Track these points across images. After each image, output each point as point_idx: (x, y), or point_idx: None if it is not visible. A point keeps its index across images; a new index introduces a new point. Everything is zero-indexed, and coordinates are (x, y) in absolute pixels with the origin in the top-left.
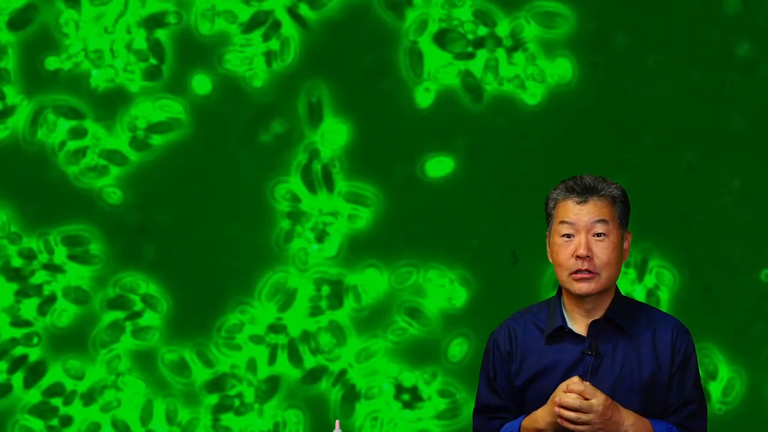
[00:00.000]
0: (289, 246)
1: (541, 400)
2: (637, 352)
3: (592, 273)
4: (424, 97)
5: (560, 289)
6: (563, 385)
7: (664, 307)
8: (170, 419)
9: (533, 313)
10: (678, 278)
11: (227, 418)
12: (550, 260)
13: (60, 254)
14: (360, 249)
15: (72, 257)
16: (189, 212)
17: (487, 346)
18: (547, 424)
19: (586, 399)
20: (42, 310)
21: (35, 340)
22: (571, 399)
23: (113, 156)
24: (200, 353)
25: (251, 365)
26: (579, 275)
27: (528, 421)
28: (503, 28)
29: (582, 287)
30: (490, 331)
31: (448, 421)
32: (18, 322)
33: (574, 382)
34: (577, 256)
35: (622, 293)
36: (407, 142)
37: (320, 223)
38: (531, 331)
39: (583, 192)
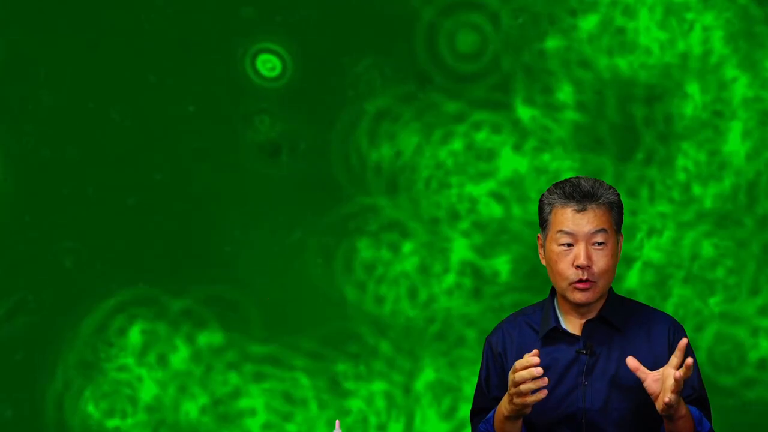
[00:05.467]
0: None
1: (537, 402)
2: (633, 349)
3: (590, 282)
4: None
5: (553, 290)
6: None
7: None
8: None
9: (527, 315)
10: None
11: None
12: (543, 263)
13: None
14: None
15: None
16: None
17: (483, 348)
18: (509, 411)
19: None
20: None
21: None
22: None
23: None
24: None
25: None
26: (579, 285)
27: (497, 413)
28: None
29: (581, 297)
30: None
31: None
32: None
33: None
34: (578, 266)
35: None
36: None
37: None
38: (526, 333)
39: (582, 199)
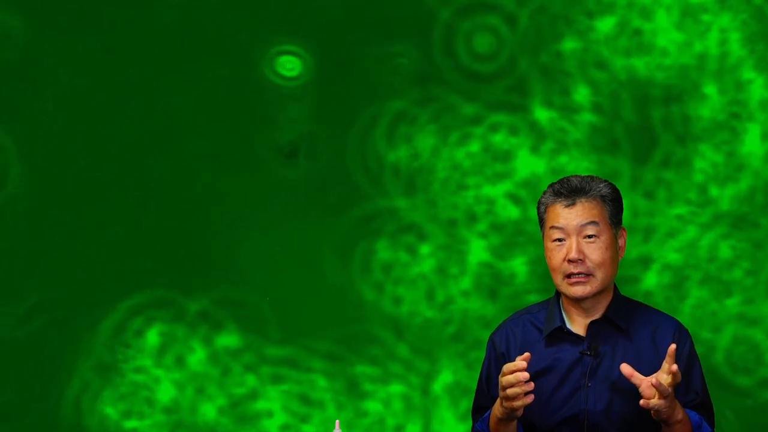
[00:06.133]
0: None
1: (540, 401)
2: (637, 352)
3: (586, 275)
4: None
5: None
6: None
7: None
8: None
9: (532, 314)
10: None
11: None
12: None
13: None
14: None
15: None
16: None
17: (486, 346)
18: (501, 413)
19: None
20: None
21: None
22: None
23: None
24: None
25: None
26: (573, 279)
27: (492, 414)
28: None
29: (577, 291)
30: None
31: None
32: None
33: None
34: (569, 260)
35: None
36: None
37: None
38: (530, 332)
39: (570, 194)
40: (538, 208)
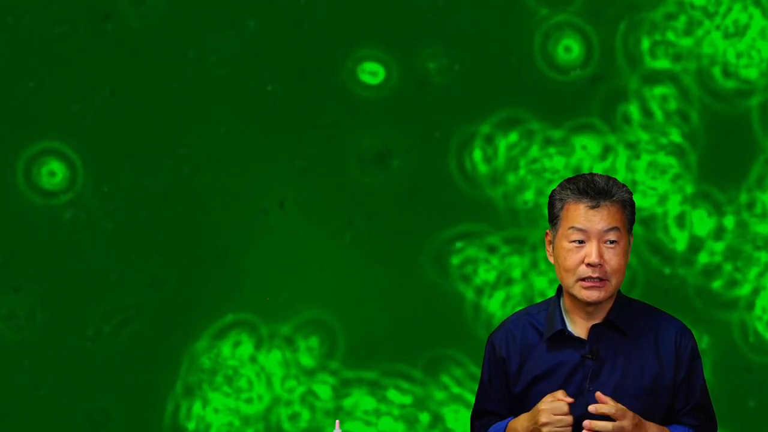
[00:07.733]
0: None
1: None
2: (640, 356)
3: (602, 281)
4: None
5: (560, 289)
6: (552, 397)
7: None
8: None
9: (532, 315)
10: None
11: None
12: (550, 261)
13: None
14: None
15: None
16: None
17: (486, 347)
18: (526, 431)
19: (616, 419)
20: None
21: None
22: (602, 424)
23: None
24: None
25: None
26: (589, 283)
27: (510, 429)
28: None
29: (591, 295)
30: None
31: None
32: None
33: (605, 403)
34: (589, 264)
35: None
36: None
37: None
38: (529, 334)
39: (596, 196)
40: (553, 204)
